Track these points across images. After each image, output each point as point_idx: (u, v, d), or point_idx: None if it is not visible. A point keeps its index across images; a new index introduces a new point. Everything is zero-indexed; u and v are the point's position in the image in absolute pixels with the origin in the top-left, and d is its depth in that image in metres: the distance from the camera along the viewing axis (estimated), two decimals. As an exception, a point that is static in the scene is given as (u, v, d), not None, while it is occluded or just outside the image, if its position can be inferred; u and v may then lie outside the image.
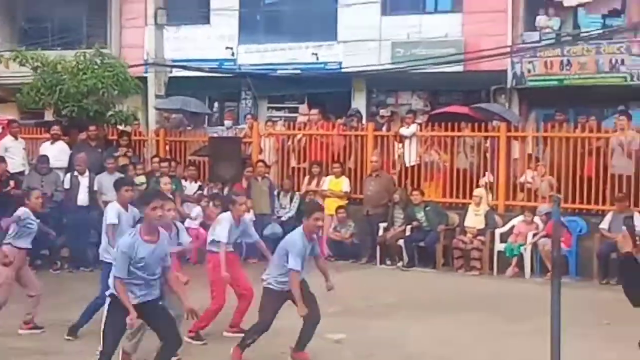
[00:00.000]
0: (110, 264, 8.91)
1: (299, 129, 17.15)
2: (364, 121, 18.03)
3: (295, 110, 23.31)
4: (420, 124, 16.22)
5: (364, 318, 10.84)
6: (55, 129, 15.51)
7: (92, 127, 15.68)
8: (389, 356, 9.00)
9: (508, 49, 19.69)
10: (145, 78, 19.32)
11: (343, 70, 22.24)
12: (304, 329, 8.62)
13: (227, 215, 9.66)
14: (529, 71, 20.05)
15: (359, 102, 22.46)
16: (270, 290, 8.55)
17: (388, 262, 15.19)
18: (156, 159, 15.99)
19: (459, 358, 9.08)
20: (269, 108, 24.98)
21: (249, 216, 14.21)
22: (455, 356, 9.13)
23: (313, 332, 8.65)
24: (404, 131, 15.95)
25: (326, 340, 9.55)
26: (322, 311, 8.93)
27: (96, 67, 16.15)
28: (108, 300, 7.20)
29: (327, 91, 22.28)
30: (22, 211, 9.80)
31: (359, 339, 9.73)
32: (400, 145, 15.99)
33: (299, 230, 8.62)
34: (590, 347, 9.05)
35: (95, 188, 14.59)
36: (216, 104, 25.09)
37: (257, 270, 9.64)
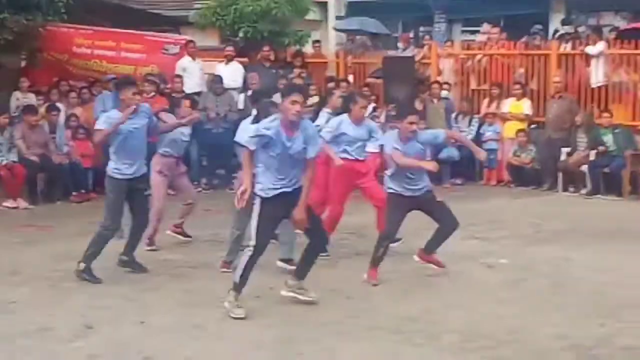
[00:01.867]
0: None
1: (479, 49, 16.40)
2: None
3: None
4: (607, 41, 15.04)
5: (528, 244, 10.27)
6: (229, 50, 15.56)
7: (266, 48, 15.67)
8: (539, 283, 8.38)
9: None
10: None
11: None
12: (440, 230, 8.48)
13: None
14: None
15: (557, 24, 21.21)
16: (390, 194, 8.32)
17: (571, 189, 14.31)
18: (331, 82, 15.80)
19: (614, 286, 8.32)
20: (463, 31, 24.13)
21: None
22: (610, 284, 8.39)
23: (448, 237, 8.48)
24: (590, 50, 14.84)
25: (480, 265, 9.18)
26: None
27: (270, -13, 16.09)
28: (259, 200, 7.09)
29: (524, 12, 21.16)
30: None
31: (514, 264, 9.20)
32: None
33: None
34: None
35: (269, 108, 14.61)
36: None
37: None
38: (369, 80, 16.74)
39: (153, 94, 13.67)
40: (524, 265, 9.12)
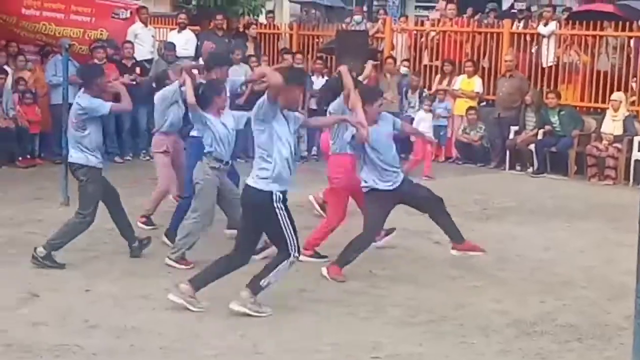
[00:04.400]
0: None
1: (432, 25, 16.44)
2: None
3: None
4: (559, 22, 15.17)
5: (474, 220, 10.35)
6: (182, 18, 15.42)
7: (219, 16, 15.53)
8: (484, 259, 8.42)
9: None
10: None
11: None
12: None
13: None
14: None
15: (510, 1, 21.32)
16: (373, 192, 7.71)
17: (518, 168, 14.50)
18: (287, 54, 15.69)
19: (555, 263, 8.49)
20: (416, 7, 24.22)
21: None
22: (552, 262, 8.56)
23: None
24: (542, 29, 14.96)
25: (427, 240, 9.25)
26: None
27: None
28: None
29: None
30: None
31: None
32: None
33: None
34: None
35: (222, 79, 14.51)
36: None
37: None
38: (320, 53, 16.68)
39: (105, 61, 13.49)
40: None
